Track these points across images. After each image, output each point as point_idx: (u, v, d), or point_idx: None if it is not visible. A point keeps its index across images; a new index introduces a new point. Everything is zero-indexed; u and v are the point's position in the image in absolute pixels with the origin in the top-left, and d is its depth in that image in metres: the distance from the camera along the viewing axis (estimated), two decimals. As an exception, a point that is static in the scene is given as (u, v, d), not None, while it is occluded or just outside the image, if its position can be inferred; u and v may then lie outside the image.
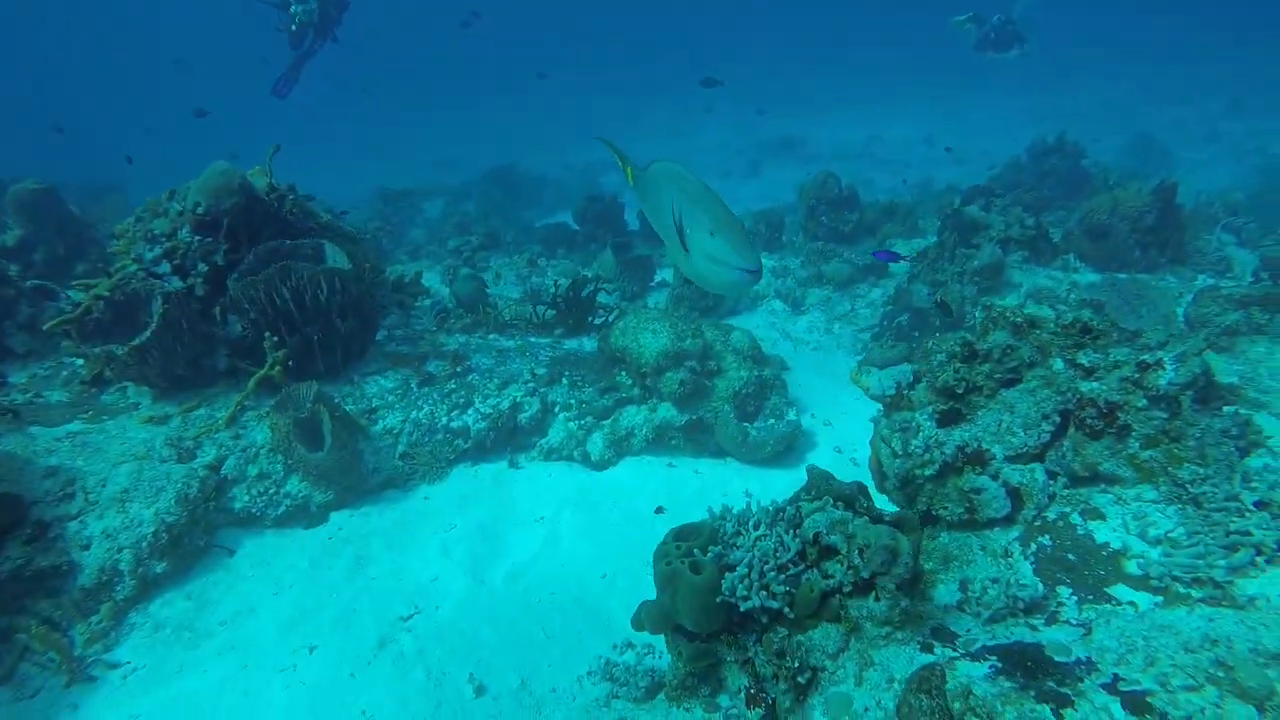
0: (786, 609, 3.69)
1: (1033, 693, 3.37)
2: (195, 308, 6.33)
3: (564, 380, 7.09)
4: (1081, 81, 36.98)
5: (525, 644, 4.90)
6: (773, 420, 6.84)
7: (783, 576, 3.71)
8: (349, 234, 7.99)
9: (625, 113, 40.76)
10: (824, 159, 28.86)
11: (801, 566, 3.78)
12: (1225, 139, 23.62)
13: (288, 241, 6.57)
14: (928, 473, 4.79)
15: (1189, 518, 4.20)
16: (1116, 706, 3.27)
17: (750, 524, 4.11)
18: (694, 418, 6.73)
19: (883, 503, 5.39)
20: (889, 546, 3.64)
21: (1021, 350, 4.75)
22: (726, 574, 3.74)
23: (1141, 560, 4.08)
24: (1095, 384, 4.47)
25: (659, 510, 5.67)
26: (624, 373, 6.97)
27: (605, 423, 6.79)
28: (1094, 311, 7.71)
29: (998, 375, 4.80)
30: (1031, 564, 4.41)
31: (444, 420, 6.59)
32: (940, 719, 3.30)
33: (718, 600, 3.71)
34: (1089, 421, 4.40)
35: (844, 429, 7.18)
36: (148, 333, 5.87)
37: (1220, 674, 3.19)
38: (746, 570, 3.72)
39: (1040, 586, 4.27)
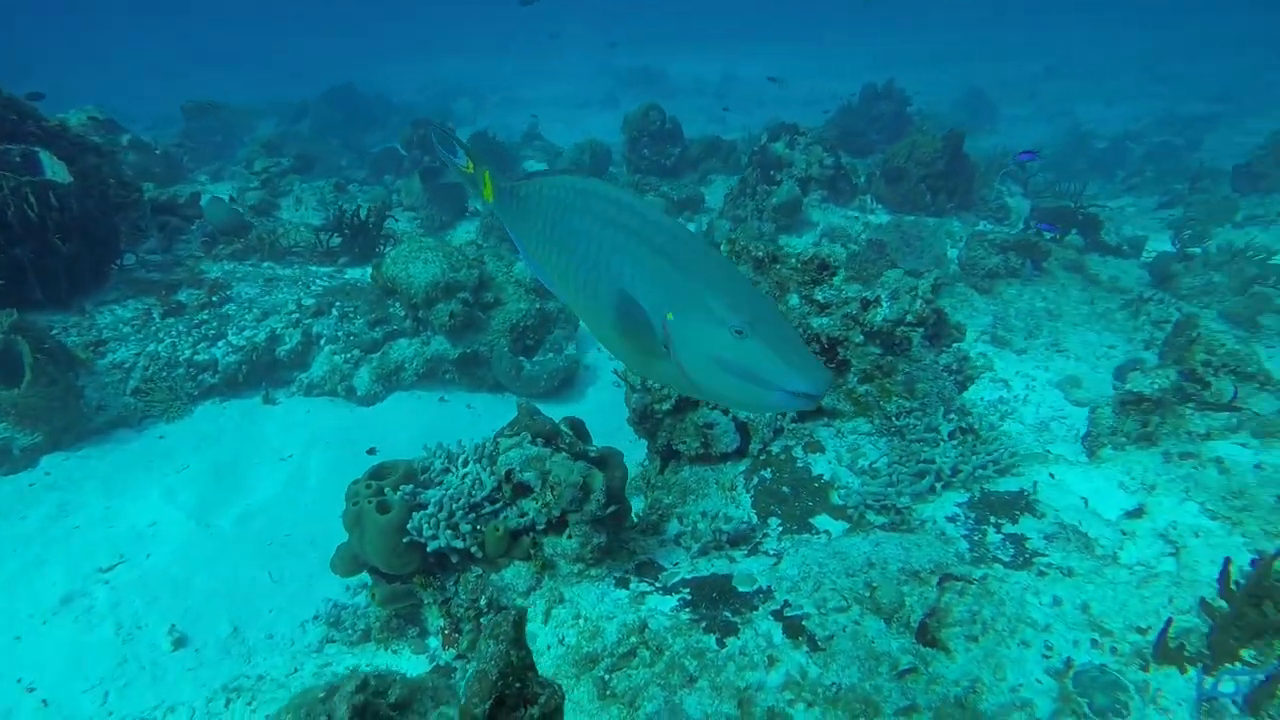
0: (475, 548, 3.58)
1: (704, 623, 3.45)
2: None
3: (334, 311, 6.65)
4: (934, 33, 38.45)
5: (247, 590, 4.61)
6: (551, 354, 6.70)
7: (472, 515, 3.59)
8: (91, 145, 7.09)
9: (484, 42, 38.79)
10: (684, 93, 28.68)
11: (499, 504, 3.67)
12: (1041, 98, 25.19)
13: (-14, 147, 5.71)
14: (665, 407, 4.80)
15: (894, 449, 4.42)
16: (778, 632, 3.40)
17: (459, 460, 3.97)
18: (468, 351, 6.48)
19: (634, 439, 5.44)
20: (579, 484, 3.58)
21: (760, 286, 4.78)
22: (415, 513, 3.57)
23: (844, 491, 4.26)
24: (824, 319, 4.57)
25: (370, 451, 5.42)
26: (397, 304, 6.60)
27: (374, 356, 6.43)
28: (875, 250, 7.99)
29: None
30: (751, 496, 4.54)
31: (187, 353, 6.03)
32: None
33: (405, 541, 3.55)
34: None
35: (631, 364, 7.13)
36: None
37: (866, 594, 3.36)
38: (435, 509, 3.57)
39: (754, 518, 4.40)
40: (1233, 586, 2.95)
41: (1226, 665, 2.87)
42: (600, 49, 33.02)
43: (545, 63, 33.71)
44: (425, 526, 3.53)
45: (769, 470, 4.51)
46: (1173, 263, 7.84)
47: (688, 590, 3.73)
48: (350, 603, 4.52)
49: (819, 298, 4.68)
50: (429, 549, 3.55)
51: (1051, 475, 4.29)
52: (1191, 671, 2.88)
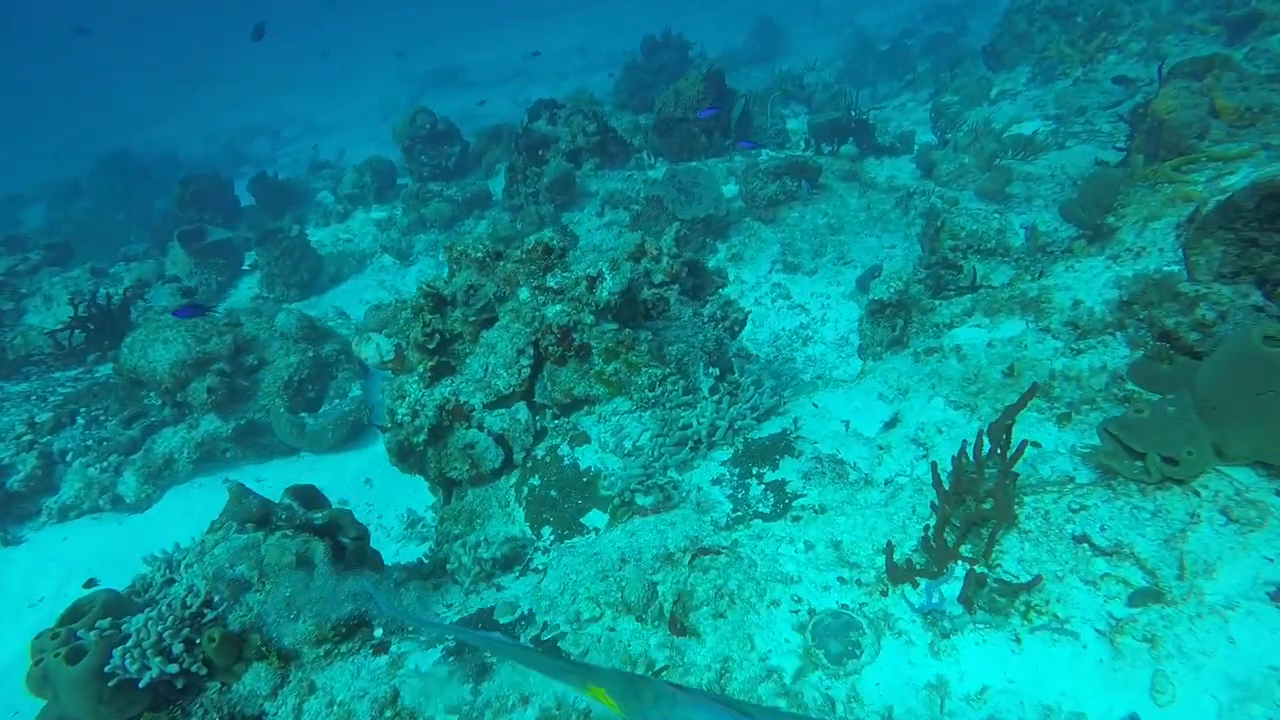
0: (197, 666, 3.16)
1: (462, 673, 3.17)
2: None
3: (78, 419, 5.92)
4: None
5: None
6: (337, 401, 6.22)
7: (186, 631, 3.16)
8: None
9: (266, 76, 36.45)
10: (485, 84, 27.88)
11: (221, 608, 3.25)
12: (826, 14, 25.84)
13: None
14: (420, 440, 4.45)
15: (656, 421, 4.24)
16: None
17: (184, 567, 3.52)
18: (243, 422, 5.92)
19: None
20: (293, 564, 3.21)
21: (486, 287, 4.47)
22: (116, 650, 3.11)
23: (610, 479, 4.05)
24: (555, 307, 4.31)
25: (88, 584, 4.84)
26: (151, 393, 5.94)
27: (136, 456, 5.78)
28: (654, 206, 7.81)
29: (473, 318, 4.49)
30: (524, 509, 4.27)
31: (-109, 517, 5.23)
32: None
33: (111, 685, 3.08)
34: (550, 349, 4.24)
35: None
36: None
37: (618, 595, 3.16)
38: (137, 639, 3.12)
39: (528, 531, 4.14)
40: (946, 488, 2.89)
41: (951, 566, 2.81)
42: (393, 59, 31.69)
43: (337, 84, 32.09)
44: (129, 661, 3.07)
45: (537, 476, 4.24)
46: (933, 151, 8.04)
47: (453, 637, 3.44)
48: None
49: (552, 284, 4.41)
50: (141, 684, 3.10)
51: (815, 405, 4.21)
52: (923, 584, 2.81)
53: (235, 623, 3.25)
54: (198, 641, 3.19)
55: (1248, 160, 4.43)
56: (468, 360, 4.57)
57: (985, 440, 2.87)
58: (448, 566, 4.00)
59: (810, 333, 6.80)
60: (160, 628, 3.17)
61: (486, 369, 4.48)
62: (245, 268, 9.89)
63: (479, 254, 4.50)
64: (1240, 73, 5.08)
